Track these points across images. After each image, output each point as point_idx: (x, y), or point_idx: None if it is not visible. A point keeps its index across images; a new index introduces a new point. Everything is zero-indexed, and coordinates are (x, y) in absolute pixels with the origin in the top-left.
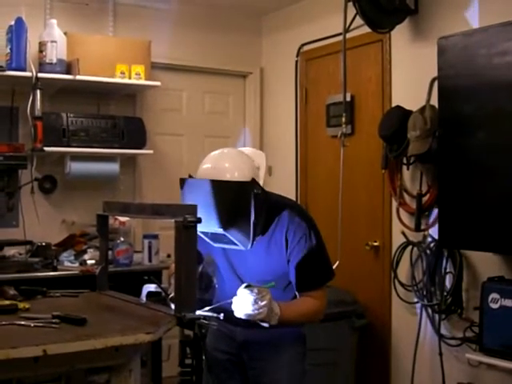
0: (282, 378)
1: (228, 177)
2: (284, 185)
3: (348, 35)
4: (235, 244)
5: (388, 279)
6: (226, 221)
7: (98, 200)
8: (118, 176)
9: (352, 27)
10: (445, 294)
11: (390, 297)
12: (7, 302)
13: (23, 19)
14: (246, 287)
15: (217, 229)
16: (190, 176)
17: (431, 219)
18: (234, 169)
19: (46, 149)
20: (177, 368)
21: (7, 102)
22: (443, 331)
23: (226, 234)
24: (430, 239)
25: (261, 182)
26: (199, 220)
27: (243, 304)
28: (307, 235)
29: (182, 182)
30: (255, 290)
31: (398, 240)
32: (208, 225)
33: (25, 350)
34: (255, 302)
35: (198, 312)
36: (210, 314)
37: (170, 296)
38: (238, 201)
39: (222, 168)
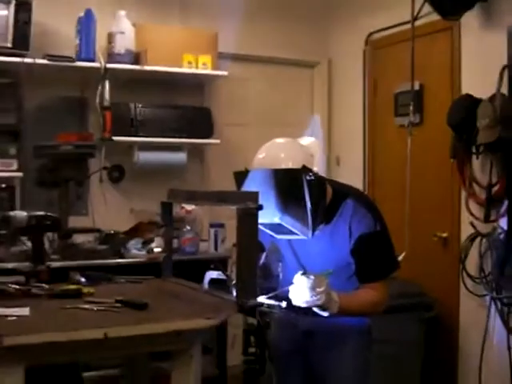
0: (347, 368)
1: (281, 165)
2: (352, 174)
3: (417, 23)
4: (296, 234)
5: (456, 271)
6: (282, 209)
7: (166, 189)
8: (186, 165)
9: (421, 15)
10: None
11: (458, 289)
12: (73, 287)
13: (92, 11)
14: (302, 274)
15: (274, 219)
16: (245, 169)
17: (501, 210)
18: (287, 157)
19: (114, 138)
20: (241, 356)
21: (77, 92)
22: None
23: (284, 224)
24: (499, 230)
25: (315, 169)
26: (260, 207)
27: (300, 291)
28: (372, 225)
29: (236, 175)
30: (312, 277)
31: (466, 231)
32: (265, 215)
33: (86, 332)
34: (312, 288)
35: (259, 299)
36: (271, 301)
37: (234, 282)
38: (291, 188)
39: (276, 157)
